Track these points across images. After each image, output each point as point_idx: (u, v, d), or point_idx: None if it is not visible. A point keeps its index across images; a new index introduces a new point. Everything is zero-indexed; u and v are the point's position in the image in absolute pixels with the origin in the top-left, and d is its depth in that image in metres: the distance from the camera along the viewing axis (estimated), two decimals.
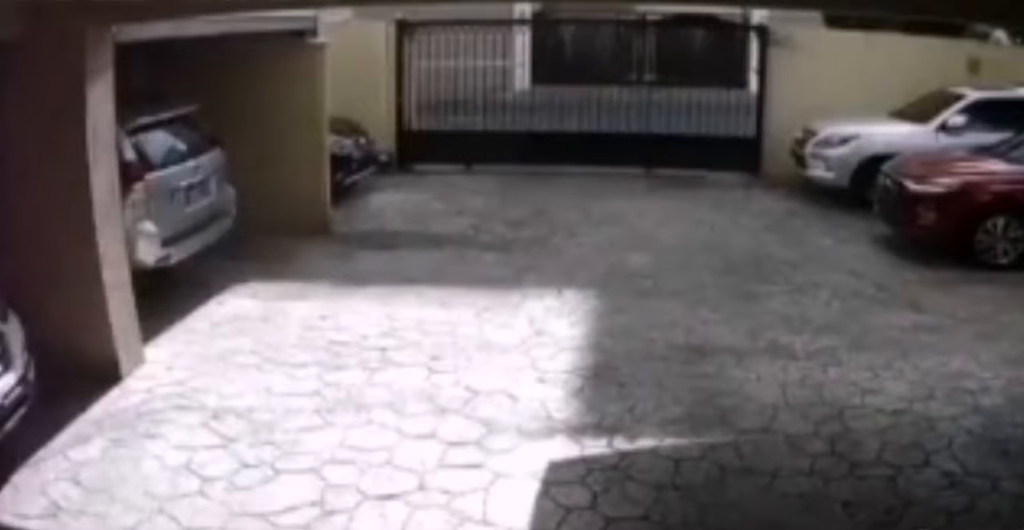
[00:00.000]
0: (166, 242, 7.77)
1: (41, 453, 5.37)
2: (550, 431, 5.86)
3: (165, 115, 8.27)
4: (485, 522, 4.88)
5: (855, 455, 5.54)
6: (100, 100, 6.22)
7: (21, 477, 5.14)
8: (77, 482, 5.13)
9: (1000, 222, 9.56)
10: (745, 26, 17.79)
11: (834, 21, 15.50)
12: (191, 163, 8.38)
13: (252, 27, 8.69)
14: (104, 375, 6.31)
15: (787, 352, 7.17)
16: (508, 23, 17.09)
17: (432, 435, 5.78)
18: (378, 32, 14.28)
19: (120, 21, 6.23)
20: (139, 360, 6.71)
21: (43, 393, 5.32)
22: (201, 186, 8.49)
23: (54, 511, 4.87)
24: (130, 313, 6.66)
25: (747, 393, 6.42)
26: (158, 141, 8.15)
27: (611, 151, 14.35)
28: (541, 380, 6.63)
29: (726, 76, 18.16)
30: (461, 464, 5.44)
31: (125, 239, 6.82)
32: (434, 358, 7.00)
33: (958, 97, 12.14)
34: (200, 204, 8.47)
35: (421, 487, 5.19)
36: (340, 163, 11.45)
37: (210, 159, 8.71)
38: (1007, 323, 7.86)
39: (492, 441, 5.71)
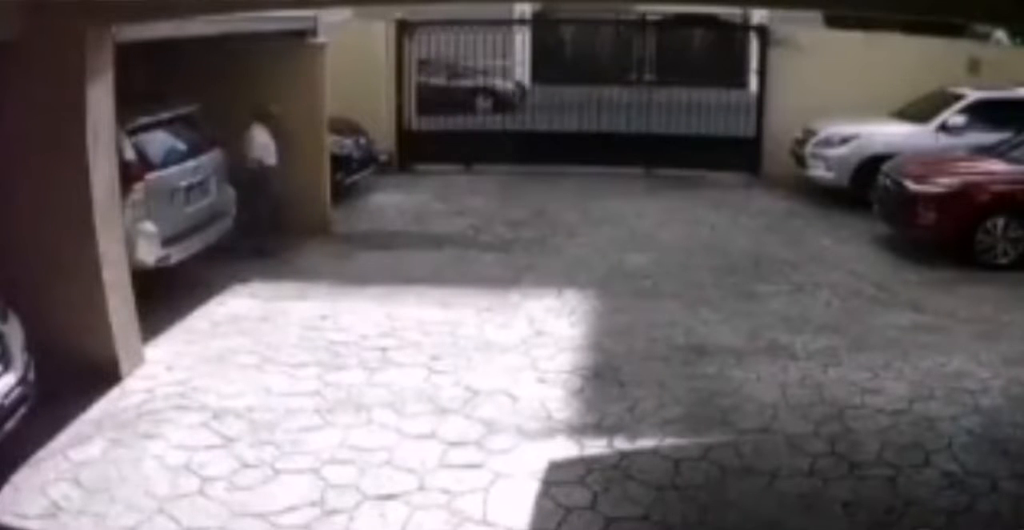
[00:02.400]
0: (166, 242, 7.78)
1: (41, 453, 5.37)
2: (550, 431, 5.86)
3: (165, 115, 8.28)
4: (485, 522, 4.88)
5: (855, 455, 5.54)
6: (100, 100, 6.22)
7: (21, 477, 5.14)
8: (77, 482, 5.13)
9: (1000, 222, 9.56)
10: (745, 26, 17.82)
11: (834, 21, 15.52)
12: (191, 163, 8.38)
13: (252, 27, 8.69)
14: (104, 375, 6.31)
15: (787, 352, 7.17)
16: (508, 23, 17.12)
17: (432, 435, 5.78)
18: (378, 32, 14.29)
19: (120, 21, 6.23)
20: (139, 360, 6.71)
21: (43, 393, 5.32)
22: (201, 186, 8.49)
23: (54, 511, 4.87)
24: (130, 313, 6.66)
25: (747, 393, 6.42)
26: (158, 141, 8.16)
27: (611, 151, 14.36)
28: (541, 380, 6.63)
29: (726, 76, 18.22)
30: (461, 464, 5.44)
31: (125, 239, 6.82)
32: (434, 358, 7.00)
33: (958, 97, 12.15)
34: (200, 204, 8.47)
35: (421, 487, 5.18)
36: (340, 163, 11.46)
37: (210, 159, 8.71)
38: (1007, 323, 7.86)
39: (492, 441, 5.71)
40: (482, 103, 20.28)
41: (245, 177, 9.42)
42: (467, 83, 20.20)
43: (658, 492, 5.15)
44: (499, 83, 20.63)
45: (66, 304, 6.21)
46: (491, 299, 8.35)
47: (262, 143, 9.57)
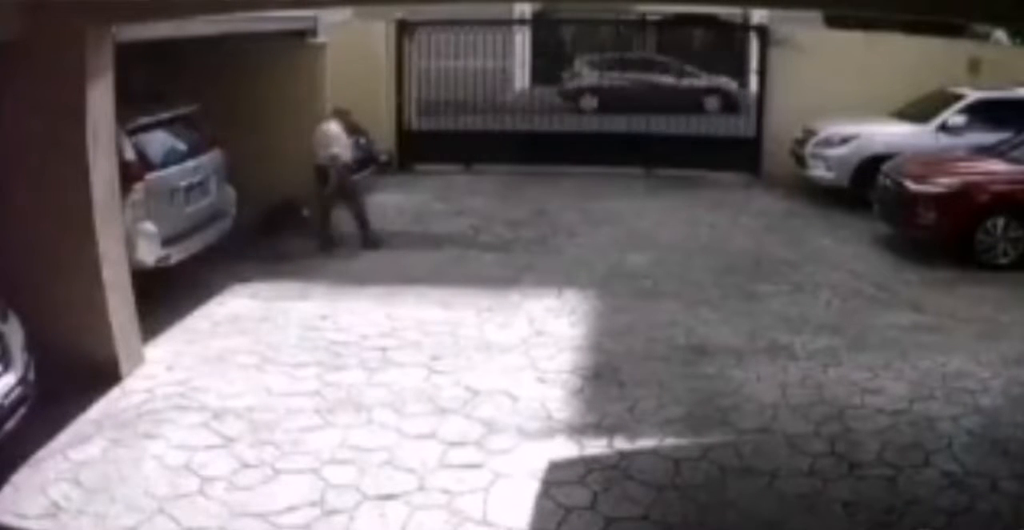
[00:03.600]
0: (166, 242, 7.78)
1: (41, 453, 5.37)
2: (550, 431, 5.86)
3: (165, 115, 8.28)
4: (485, 522, 4.88)
5: (855, 455, 5.54)
6: (100, 100, 6.23)
7: (21, 477, 5.14)
8: (77, 482, 5.13)
9: (1000, 222, 9.56)
10: (745, 26, 17.80)
11: (834, 21, 15.50)
12: (191, 163, 8.39)
13: (252, 27, 8.70)
14: (104, 375, 6.31)
15: (787, 352, 7.17)
16: (508, 23, 17.11)
17: (432, 435, 5.78)
18: (378, 32, 14.28)
19: (120, 21, 6.23)
20: (139, 360, 6.71)
21: (43, 393, 5.32)
22: (201, 186, 8.50)
23: (54, 511, 4.88)
24: (130, 313, 6.66)
25: (747, 393, 6.42)
26: (158, 141, 8.16)
27: (611, 151, 14.36)
28: (541, 380, 6.63)
29: (726, 76, 18.22)
30: (461, 464, 5.44)
31: (125, 239, 6.82)
32: (434, 358, 7.00)
33: (958, 97, 12.14)
34: (200, 204, 8.48)
35: (421, 487, 5.19)
36: None
37: (210, 159, 8.72)
38: (1007, 323, 7.86)
39: (492, 441, 5.71)
40: (711, 103, 20.27)
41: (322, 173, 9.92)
42: (699, 83, 20.13)
43: (658, 492, 5.15)
44: (724, 82, 20.71)
45: (66, 304, 6.22)
46: (491, 299, 8.35)
47: (338, 138, 9.95)
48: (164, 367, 6.72)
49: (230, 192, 9.09)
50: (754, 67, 15.53)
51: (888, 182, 10.43)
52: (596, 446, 5.66)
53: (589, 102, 17.54)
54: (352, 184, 10.21)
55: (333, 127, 9.97)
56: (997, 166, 10.12)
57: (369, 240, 10.12)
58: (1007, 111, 11.63)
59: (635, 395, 6.36)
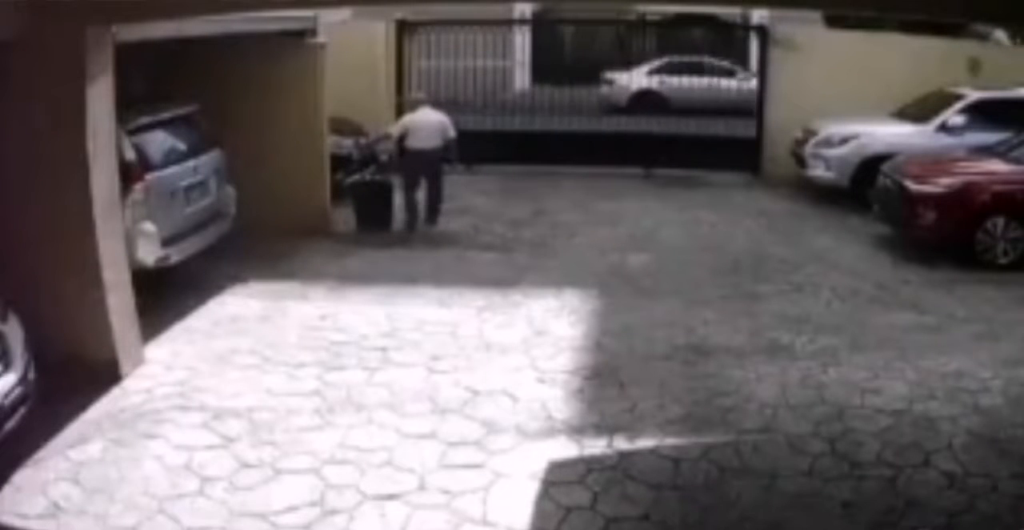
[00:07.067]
0: (166, 242, 7.78)
1: (41, 453, 5.37)
2: (550, 431, 5.86)
3: (165, 115, 8.28)
4: (485, 522, 4.88)
5: (855, 455, 5.54)
6: (100, 100, 6.23)
7: (22, 477, 5.14)
8: (77, 482, 5.13)
9: (1000, 222, 9.55)
10: (745, 26, 17.81)
11: (834, 21, 15.51)
12: (191, 163, 8.38)
13: (252, 27, 8.69)
14: (104, 375, 6.31)
15: (787, 352, 7.17)
16: (508, 23, 17.11)
17: (432, 435, 5.78)
18: (378, 32, 14.28)
19: (120, 21, 6.23)
20: (139, 360, 6.71)
21: (43, 393, 5.32)
22: (201, 186, 8.50)
23: (54, 511, 4.88)
24: (130, 313, 6.66)
25: (747, 393, 6.42)
26: (158, 141, 8.15)
27: (611, 151, 14.35)
28: (541, 380, 6.63)
29: (726, 76, 18.20)
30: (461, 464, 5.44)
31: (125, 239, 6.82)
32: (434, 358, 7.00)
33: (958, 97, 12.14)
34: (200, 204, 8.47)
35: (421, 487, 5.19)
36: (340, 163, 11.44)
37: (210, 159, 8.71)
38: (1007, 323, 7.86)
39: (492, 441, 5.71)
40: None
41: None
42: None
43: (658, 492, 5.15)
44: None
45: (66, 304, 6.22)
46: (491, 299, 8.35)
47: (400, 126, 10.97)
48: (164, 367, 6.72)
49: (230, 192, 9.08)
50: (754, 67, 15.52)
51: (888, 182, 10.43)
52: (596, 446, 5.66)
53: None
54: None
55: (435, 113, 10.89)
56: (997, 166, 10.12)
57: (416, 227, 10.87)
58: (1007, 111, 11.63)
59: (635, 395, 6.36)
